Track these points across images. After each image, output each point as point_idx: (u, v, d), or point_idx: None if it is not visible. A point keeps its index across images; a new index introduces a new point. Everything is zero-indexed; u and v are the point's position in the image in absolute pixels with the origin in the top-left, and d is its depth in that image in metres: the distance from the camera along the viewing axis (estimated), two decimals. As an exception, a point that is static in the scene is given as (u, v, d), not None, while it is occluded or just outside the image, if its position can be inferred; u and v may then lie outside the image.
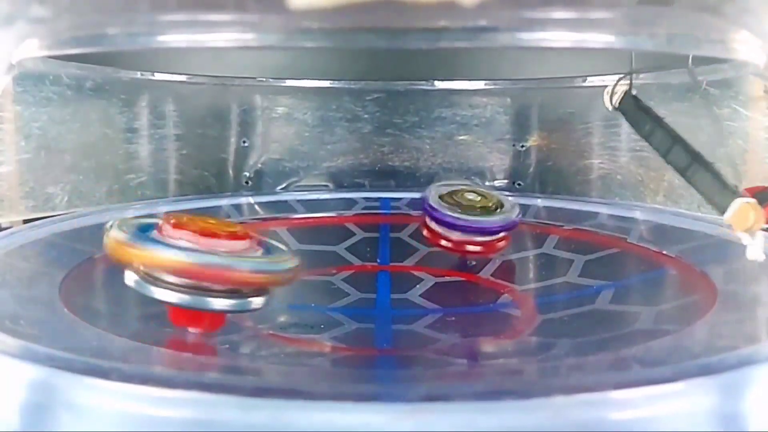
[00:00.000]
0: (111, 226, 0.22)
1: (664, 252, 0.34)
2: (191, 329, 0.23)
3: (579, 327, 0.28)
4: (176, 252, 0.21)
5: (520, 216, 0.36)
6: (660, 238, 0.36)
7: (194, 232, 0.22)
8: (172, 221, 0.22)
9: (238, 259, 0.22)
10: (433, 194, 0.36)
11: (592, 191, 0.50)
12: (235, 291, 0.22)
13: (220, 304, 0.22)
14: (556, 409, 0.16)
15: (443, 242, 0.35)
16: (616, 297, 0.30)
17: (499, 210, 0.35)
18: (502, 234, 0.35)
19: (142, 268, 0.22)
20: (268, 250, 0.24)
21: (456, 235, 0.35)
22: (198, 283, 0.22)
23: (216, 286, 0.22)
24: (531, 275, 0.37)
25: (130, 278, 0.22)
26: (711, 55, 0.24)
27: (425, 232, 0.36)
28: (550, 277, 0.35)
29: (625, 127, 0.49)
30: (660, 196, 0.47)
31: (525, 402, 0.17)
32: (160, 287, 0.22)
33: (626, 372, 0.20)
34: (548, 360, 0.25)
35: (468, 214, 0.34)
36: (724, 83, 0.43)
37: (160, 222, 0.23)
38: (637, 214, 0.41)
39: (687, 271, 0.31)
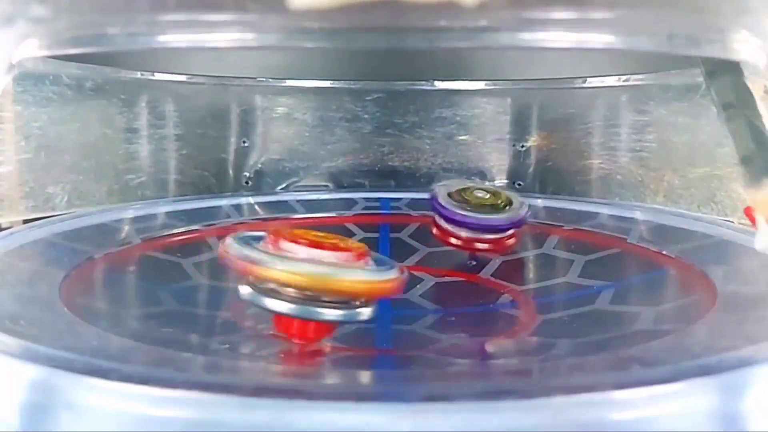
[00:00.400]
0: (228, 242, 0.23)
1: (664, 252, 0.34)
2: (299, 339, 0.24)
3: (579, 327, 0.28)
4: (293, 265, 0.22)
5: (529, 213, 0.36)
6: (660, 238, 0.36)
7: (307, 245, 0.23)
8: (285, 235, 0.23)
9: (351, 270, 0.23)
10: (442, 192, 0.36)
11: (592, 191, 0.50)
12: (344, 302, 0.23)
13: (331, 314, 0.23)
14: (556, 409, 0.16)
15: (453, 240, 0.35)
16: (616, 297, 0.30)
17: (507, 207, 0.35)
18: (511, 231, 0.35)
19: (259, 281, 0.23)
20: (375, 261, 0.25)
21: (465, 233, 0.35)
22: (310, 294, 0.22)
23: (327, 297, 0.23)
24: (531, 275, 0.37)
25: (245, 291, 0.23)
26: (711, 55, 0.24)
27: (434, 231, 0.36)
28: (550, 277, 0.35)
29: (625, 128, 0.49)
30: (660, 196, 0.47)
31: (525, 402, 0.17)
32: (275, 298, 0.23)
33: (626, 372, 0.20)
34: (548, 360, 0.25)
35: (477, 212, 0.34)
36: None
37: (271, 236, 0.24)
38: (637, 215, 0.41)
39: (687, 271, 0.31)
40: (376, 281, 0.23)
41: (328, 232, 0.25)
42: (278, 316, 0.23)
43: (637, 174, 0.48)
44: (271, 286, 0.23)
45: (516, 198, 0.36)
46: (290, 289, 0.22)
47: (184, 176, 0.50)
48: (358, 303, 0.23)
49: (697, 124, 0.45)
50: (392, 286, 0.23)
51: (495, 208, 0.35)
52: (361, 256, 0.24)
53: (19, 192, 0.43)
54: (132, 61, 0.47)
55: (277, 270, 0.22)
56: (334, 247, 0.23)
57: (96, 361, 0.19)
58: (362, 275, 0.23)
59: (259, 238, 0.24)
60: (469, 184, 0.37)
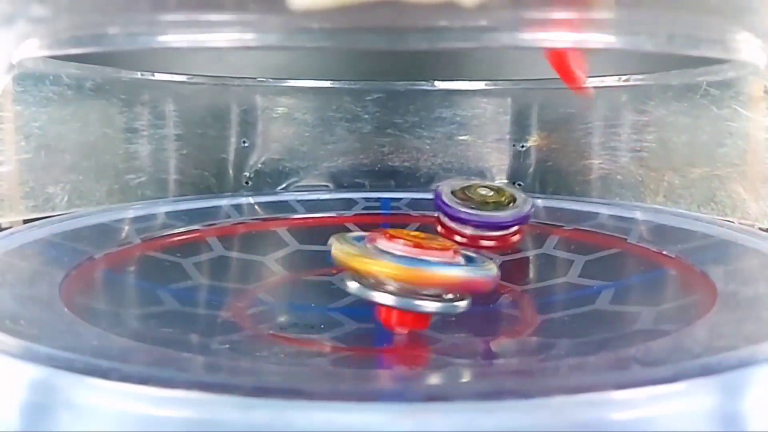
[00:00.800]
0: (335, 241, 0.26)
1: (664, 252, 0.34)
2: (400, 329, 0.26)
3: (579, 327, 0.28)
4: (398, 260, 0.24)
5: (534, 210, 0.36)
6: (660, 238, 0.36)
7: (407, 243, 0.25)
8: (387, 234, 0.25)
9: (450, 266, 0.25)
10: (445, 190, 0.36)
11: (592, 191, 0.49)
12: (439, 295, 0.25)
13: (431, 306, 0.25)
14: (556, 409, 0.16)
15: (457, 238, 0.35)
16: (616, 297, 0.30)
17: (512, 204, 0.35)
18: (515, 228, 0.35)
19: (365, 275, 0.25)
20: (468, 258, 0.27)
21: (470, 231, 0.35)
22: (411, 288, 0.24)
23: (426, 291, 0.25)
24: (531, 275, 0.37)
25: (352, 286, 0.25)
26: (711, 55, 0.24)
27: (439, 229, 0.36)
28: (550, 277, 0.35)
29: (625, 127, 0.49)
30: (660, 196, 0.47)
31: (525, 402, 0.17)
32: (379, 291, 0.25)
33: (626, 372, 0.20)
34: (548, 360, 0.25)
35: (480, 209, 0.34)
36: (724, 83, 0.43)
37: (373, 235, 0.26)
38: (637, 214, 0.41)
39: (687, 271, 0.31)
40: (483, 277, 0.25)
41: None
42: (382, 307, 0.25)
43: (637, 174, 0.48)
44: (376, 280, 0.25)
45: (520, 195, 0.36)
46: (393, 284, 0.24)
47: (184, 176, 0.50)
48: (453, 296, 0.25)
49: (697, 124, 0.45)
50: (494, 281, 0.26)
51: (499, 205, 0.35)
52: (457, 253, 0.26)
53: (19, 192, 0.43)
54: (132, 61, 0.47)
55: (378, 265, 0.24)
56: (430, 246, 0.25)
57: (96, 361, 0.19)
58: (456, 271, 0.25)
59: (361, 238, 0.26)
60: (472, 181, 0.37)
